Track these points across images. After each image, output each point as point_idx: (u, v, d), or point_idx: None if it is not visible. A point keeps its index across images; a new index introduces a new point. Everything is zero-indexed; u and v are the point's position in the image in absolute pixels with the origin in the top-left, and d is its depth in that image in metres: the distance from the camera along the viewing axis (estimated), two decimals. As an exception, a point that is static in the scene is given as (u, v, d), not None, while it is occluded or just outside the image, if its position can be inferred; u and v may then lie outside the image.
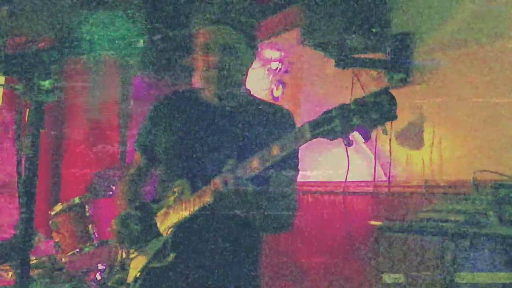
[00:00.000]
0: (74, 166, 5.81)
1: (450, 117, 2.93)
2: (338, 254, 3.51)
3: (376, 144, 3.24)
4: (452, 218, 2.10)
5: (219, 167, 1.77)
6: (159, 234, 1.99)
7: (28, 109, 1.31)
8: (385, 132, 1.50)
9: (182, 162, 2.02)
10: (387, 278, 2.51)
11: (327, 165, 3.55)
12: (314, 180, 3.65)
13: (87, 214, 3.85)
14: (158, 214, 2.03)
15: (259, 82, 4.39)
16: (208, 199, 1.79)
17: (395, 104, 1.44)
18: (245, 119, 2.03)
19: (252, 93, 2.16)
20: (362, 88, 3.33)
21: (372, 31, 3.10)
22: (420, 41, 3.10)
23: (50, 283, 3.75)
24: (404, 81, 3.14)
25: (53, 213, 3.82)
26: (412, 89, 3.11)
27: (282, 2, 4.16)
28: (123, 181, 2.24)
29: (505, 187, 2.13)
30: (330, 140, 1.52)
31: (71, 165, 6.03)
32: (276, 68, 4.33)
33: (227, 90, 2.01)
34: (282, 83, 4.26)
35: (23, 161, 1.30)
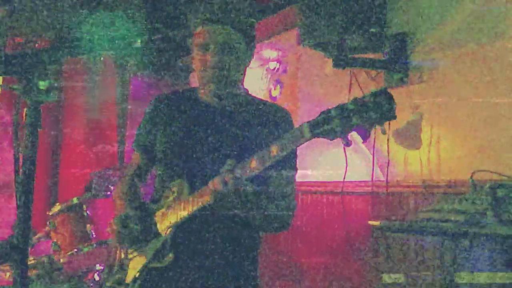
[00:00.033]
0: (73, 166, 5.80)
1: (450, 117, 2.93)
2: (337, 254, 3.51)
3: (374, 144, 3.24)
4: (452, 218, 2.10)
5: (218, 167, 1.77)
6: (158, 234, 1.99)
7: (25, 109, 1.31)
8: (384, 132, 1.50)
9: (181, 162, 2.01)
10: (387, 278, 2.51)
11: (327, 165, 3.55)
12: (314, 180, 3.65)
13: (86, 214, 3.85)
14: (157, 214, 2.03)
15: (257, 82, 4.39)
16: (207, 199, 1.79)
17: (394, 104, 1.44)
18: (244, 118, 2.03)
19: (250, 93, 2.15)
20: (360, 88, 3.33)
21: (371, 31, 3.10)
22: (420, 41, 3.10)
23: (49, 283, 3.75)
24: (402, 81, 3.15)
25: (51, 213, 3.82)
26: (411, 89, 3.12)
27: (281, 2, 4.16)
28: (122, 181, 2.24)
29: (504, 187, 2.13)
30: (330, 140, 1.52)
31: (69, 165, 6.03)
32: (274, 68, 4.33)
33: (227, 90, 2.01)
34: (280, 83, 4.26)
35: (20, 161, 1.30)
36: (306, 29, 3.19)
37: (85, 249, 3.71)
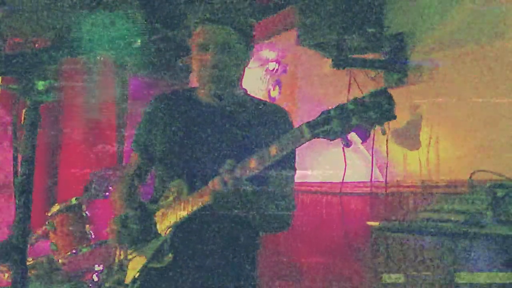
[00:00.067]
0: (72, 166, 5.79)
1: (449, 117, 2.93)
2: (337, 254, 3.51)
3: (373, 144, 3.24)
4: (451, 218, 2.10)
5: (218, 167, 1.77)
6: (158, 234, 1.98)
7: (24, 109, 1.31)
8: (384, 132, 1.50)
9: (180, 162, 2.01)
10: (387, 278, 2.50)
11: (326, 165, 3.56)
12: (313, 180, 3.65)
13: (85, 214, 3.85)
14: (156, 214, 2.03)
15: (256, 82, 4.39)
16: (207, 199, 1.78)
17: (394, 104, 1.44)
18: (244, 118, 2.03)
19: (248, 93, 2.15)
20: (359, 88, 3.33)
21: (370, 31, 3.10)
22: (419, 41, 3.10)
23: (48, 283, 3.75)
24: (401, 81, 3.15)
25: (50, 213, 3.82)
26: (410, 89, 3.11)
27: (281, 2, 4.16)
28: (121, 181, 2.23)
29: (504, 187, 2.13)
30: (330, 140, 1.51)
31: (69, 165, 6.02)
32: (273, 69, 4.33)
33: (226, 90, 2.01)
34: (279, 84, 4.26)
35: (19, 161, 1.30)
36: (305, 29, 3.19)
37: (84, 250, 3.70)
